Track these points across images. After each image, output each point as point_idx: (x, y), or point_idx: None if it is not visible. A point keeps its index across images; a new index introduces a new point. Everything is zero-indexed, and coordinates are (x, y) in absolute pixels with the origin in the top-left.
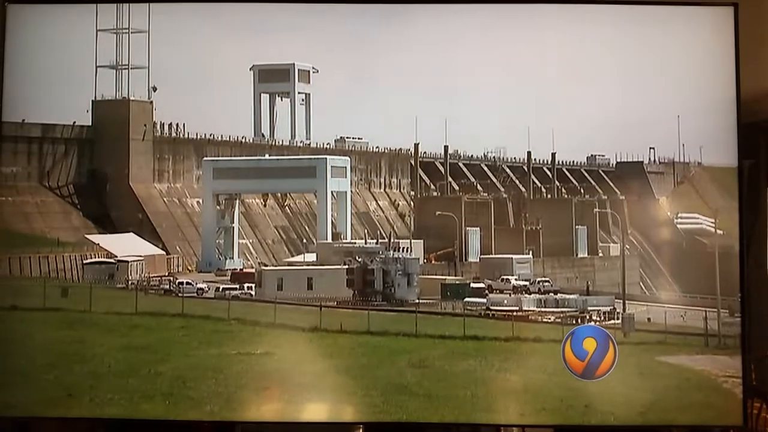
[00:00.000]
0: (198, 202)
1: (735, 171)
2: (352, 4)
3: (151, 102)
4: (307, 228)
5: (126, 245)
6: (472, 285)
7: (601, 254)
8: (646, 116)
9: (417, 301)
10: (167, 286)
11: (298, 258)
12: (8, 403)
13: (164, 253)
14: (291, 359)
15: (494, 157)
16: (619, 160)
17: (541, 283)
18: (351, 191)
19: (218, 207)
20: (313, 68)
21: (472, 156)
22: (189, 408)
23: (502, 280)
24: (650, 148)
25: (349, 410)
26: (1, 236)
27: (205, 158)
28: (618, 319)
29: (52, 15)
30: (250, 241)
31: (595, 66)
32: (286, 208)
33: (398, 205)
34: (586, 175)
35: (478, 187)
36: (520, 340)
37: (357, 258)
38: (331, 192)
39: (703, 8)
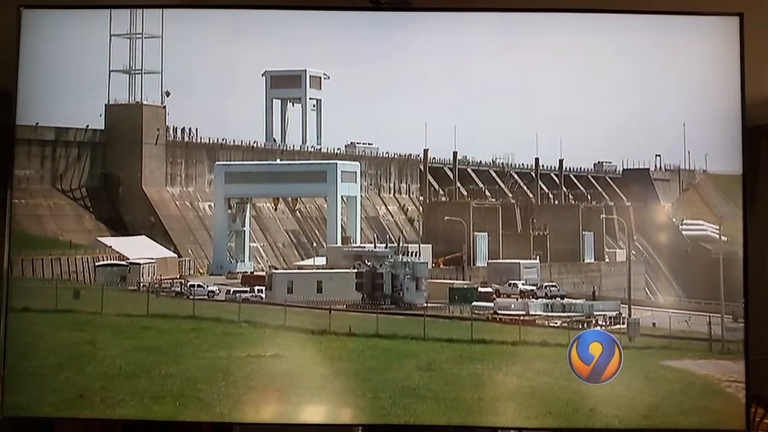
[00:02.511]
0: (210, 205)
1: (739, 178)
2: (364, 12)
3: (164, 106)
4: (317, 232)
5: (138, 248)
6: (480, 289)
7: (607, 260)
8: (652, 124)
9: (425, 304)
10: (178, 289)
11: (308, 261)
12: (20, 404)
13: (176, 255)
14: (300, 362)
15: (502, 163)
16: (625, 167)
17: (547, 288)
18: (361, 196)
19: (230, 211)
20: (324, 74)
21: (480, 162)
22: (198, 410)
23: (510, 284)
24: (656, 155)
25: (357, 412)
26: (15, 238)
27: (217, 162)
28: (623, 323)
29: (66, 19)
30: (261, 244)
31: (602, 74)
32: (297, 212)
33: (407, 209)
34: (593, 181)
35: (487, 192)
36: (527, 344)
37: (366, 262)
38: (342, 196)
39: (709, 18)
